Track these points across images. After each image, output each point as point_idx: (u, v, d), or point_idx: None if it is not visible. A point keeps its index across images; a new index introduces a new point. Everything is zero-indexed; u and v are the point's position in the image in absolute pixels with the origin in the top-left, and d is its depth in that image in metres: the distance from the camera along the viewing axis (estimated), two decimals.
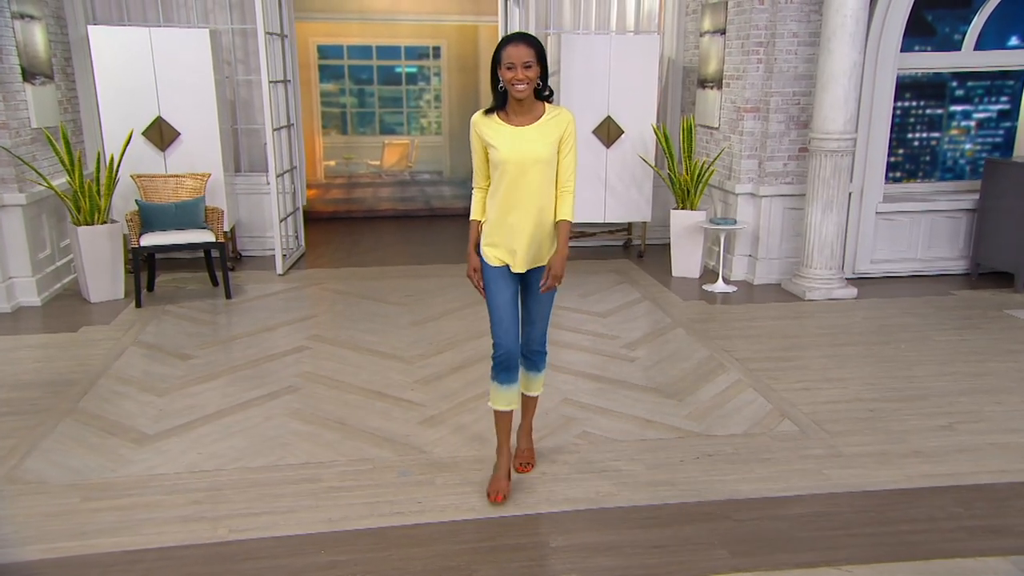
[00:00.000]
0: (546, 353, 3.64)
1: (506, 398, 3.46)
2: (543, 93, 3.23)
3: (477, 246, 3.39)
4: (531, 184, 3.22)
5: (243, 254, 7.85)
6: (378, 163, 10.67)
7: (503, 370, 3.41)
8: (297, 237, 8.01)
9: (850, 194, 6.74)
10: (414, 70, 10.78)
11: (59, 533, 3.24)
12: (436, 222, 9.75)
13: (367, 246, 8.51)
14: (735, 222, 6.70)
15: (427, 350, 5.33)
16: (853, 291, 6.51)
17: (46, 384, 4.74)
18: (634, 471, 3.76)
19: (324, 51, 10.43)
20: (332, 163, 10.75)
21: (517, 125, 3.22)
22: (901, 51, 6.68)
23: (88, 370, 4.94)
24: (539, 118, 3.24)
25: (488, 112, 3.28)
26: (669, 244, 7.04)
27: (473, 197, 3.43)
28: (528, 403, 3.74)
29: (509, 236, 3.28)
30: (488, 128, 3.25)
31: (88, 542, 3.18)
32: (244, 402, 4.51)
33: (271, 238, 7.67)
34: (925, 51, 7.44)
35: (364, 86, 10.64)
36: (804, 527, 3.31)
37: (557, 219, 3.31)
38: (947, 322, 5.93)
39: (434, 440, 4.05)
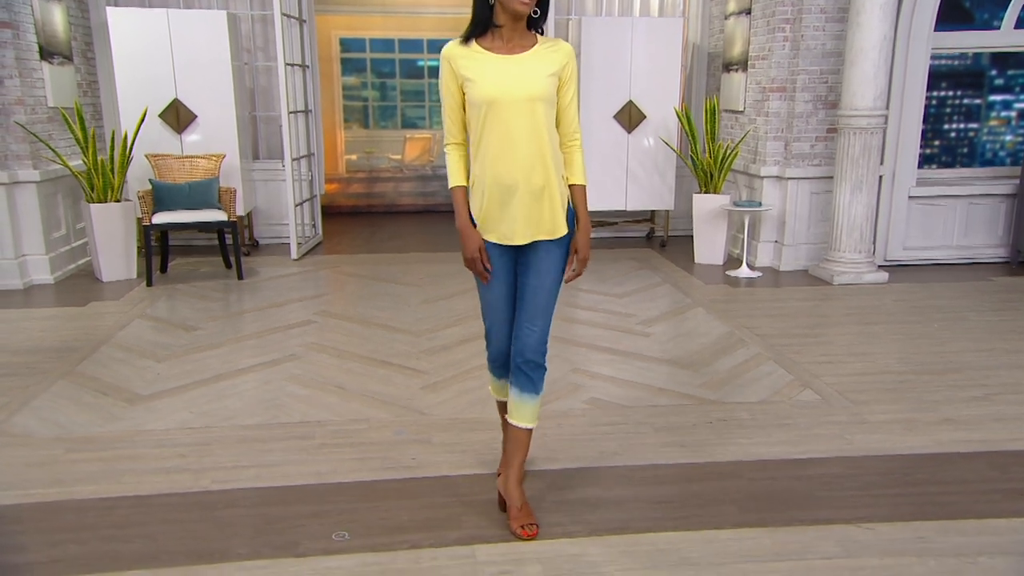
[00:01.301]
0: (545, 368, 2.74)
1: (505, 389, 2.87)
2: (536, 18, 2.53)
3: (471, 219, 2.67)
4: (528, 129, 2.51)
5: (259, 241, 7.77)
6: (399, 157, 10.59)
7: (499, 367, 2.88)
8: (314, 225, 7.92)
9: (881, 177, 6.49)
10: (436, 63, 10.68)
11: (37, 480, 3.11)
12: None
13: (385, 235, 8.40)
14: (760, 204, 6.47)
15: (436, 324, 5.17)
16: (884, 276, 6.23)
17: (47, 350, 4.65)
18: (641, 433, 3.55)
19: (346, 44, 10.40)
20: (354, 157, 10.69)
21: (505, 53, 2.52)
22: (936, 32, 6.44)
23: (91, 339, 4.85)
24: (531, 48, 2.56)
25: (465, 40, 2.55)
26: (692, 235, 6.83)
27: (448, 158, 2.68)
28: (517, 438, 2.77)
29: (503, 203, 2.57)
30: (467, 60, 2.52)
31: (66, 489, 3.05)
32: (243, 368, 4.38)
33: (287, 226, 7.59)
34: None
35: (386, 79, 10.59)
36: (822, 487, 3.07)
37: (570, 183, 2.66)
38: (984, 304, 5.64)
39: (435, 403, 3.88)
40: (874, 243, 6.55)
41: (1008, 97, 8.75)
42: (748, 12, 6.85)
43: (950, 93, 8.65)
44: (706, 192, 6.81)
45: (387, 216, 9.54)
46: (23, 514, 2.88)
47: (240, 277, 6.37)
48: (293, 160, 7.04)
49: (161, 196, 6.25)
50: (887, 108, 6.05)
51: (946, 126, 8.75)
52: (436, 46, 10.68)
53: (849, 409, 3.79)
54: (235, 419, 3.69)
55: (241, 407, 3.83)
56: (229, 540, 2.71)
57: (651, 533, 2.73)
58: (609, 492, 3.03)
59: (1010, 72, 8.71)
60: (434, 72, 10.77)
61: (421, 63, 10.74)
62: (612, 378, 4.20)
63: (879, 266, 6.44)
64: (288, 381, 4.16)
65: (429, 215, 9.67)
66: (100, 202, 6.13)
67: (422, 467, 3.22)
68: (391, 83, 10.75)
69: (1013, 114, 8.79)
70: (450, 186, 2.68)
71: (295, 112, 7.11)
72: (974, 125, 8.74)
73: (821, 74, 6.38)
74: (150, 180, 6.37)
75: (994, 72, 8.70)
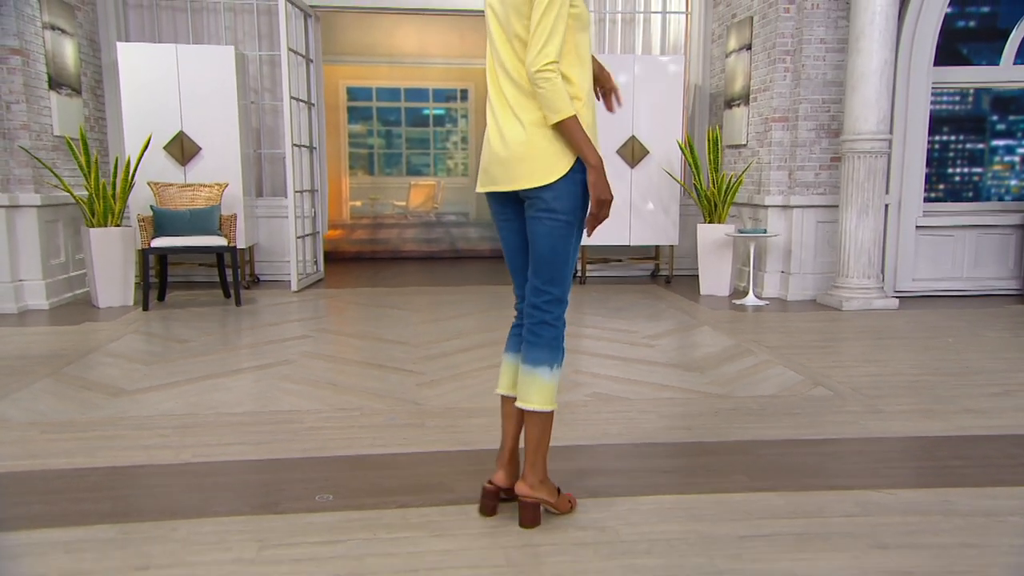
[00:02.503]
0: (552, 326, 2.31)
1: (502, 374, 2.50)
2: None
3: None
4: None
5: (260, 278, 7.71)
6: (404, 204, 10.62)
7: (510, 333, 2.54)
8: (316, 262, 7.86)
9: (887, 206, 6.43)
10: (441, 112, 10.86)
11: (8, 455, 2.96)
12: (461, 263, 9.56)
13: (388, 275, 8.33)
14: (765, 231, 6.39)
15: (436, 338, 5.04)
16: (894, 302, 6.10)
17: (34, 357, 4.53)
18: (646, 418, 3.38)
19: (353, 93, 10.59)
20: (358, 203, 10.73)
21: None
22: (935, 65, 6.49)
23: (80, 348, 4.73)
24: None
25: None
26: (698, 274, 6.72)
27: (556, 83, 2.13)
28: (522, 419, 2.37)
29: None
30: None
31: (38, 461, 2.89)
32: (234, 370, 4.24)
33: (289, 263, 7.54)
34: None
35: (392, 127, 10.73)
36: (837, 461, 2.90)
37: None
38: (999, 325, 5.49)
39: (430, 396, 3.73)
40: (882, 273, 6.44)
41: (1011, 142, 8.77)
42: (748, 47, 6.93)
43: (952, 137, 8.69)
44: (710, 222, 6.74)
45: (391, 262, 9.49)
46: None
47: (238, 304, 6.28)
48: (296, 193, 7.03)
49: (162, 222, 6.21)
50: (891, 132, 6.03)
51: (949, 170, 8.76)
52: (441, 95, 10.89)
53: (863, 402, 3.62)
54: (222, 408, 3.54)
55: (229, 399, 3.69)
56: (206, 501, 2.54)
57: (657, 495, 2.56)
58: (611, 464, 2.86)
59: (1011, 117, 8.75)
60: (439, 120, 10.95)
61: (426, 111, 10.90)
62: (615, 377, 4.05)
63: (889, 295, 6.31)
64: (280, 380, 4.02)
65: (433, 261, 9.62)
66: (100, 227, 6.09)
67: (414, 444, 3.06)
68: (396, 131, 10.89)
69: (1017, 159, 8.80)
70: (567, 116, 2.14)
71: (299, 146, 7.14)
72: (978, 169, 8.75)
73: (823, 103, 6.39)
74: (151, 206, 6.35)
75: (995, 117, 8.75)
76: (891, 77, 5.98)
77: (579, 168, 2.21)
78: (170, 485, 2.68)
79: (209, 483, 2.70)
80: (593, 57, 2.34)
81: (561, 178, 2.20)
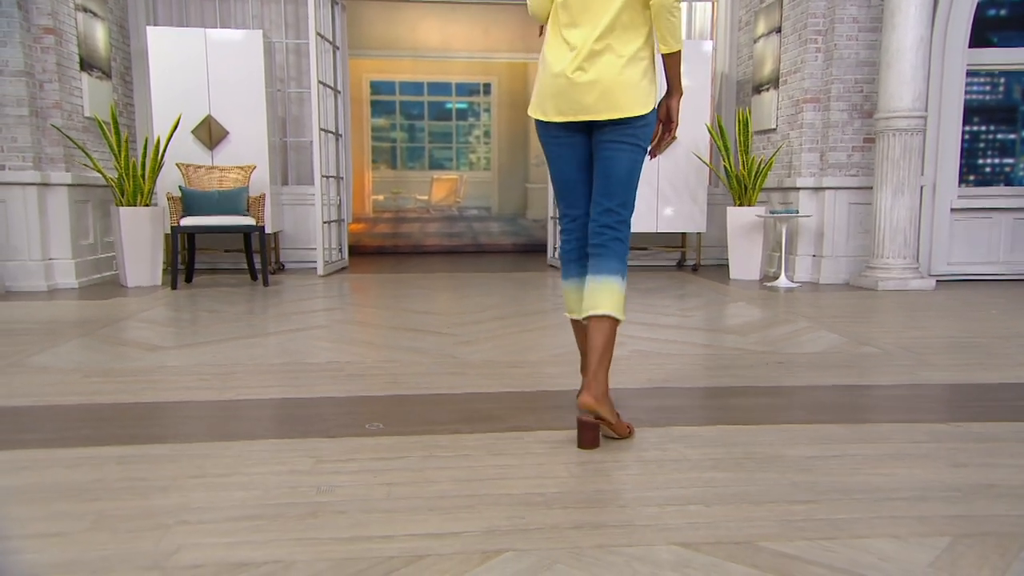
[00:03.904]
0: (623, 242, 2.38)
1: (568, 300, 2.57)
2: None
3: None
4: None
5: (285, 265, 7.69)
6: (426, 198, 10.59)
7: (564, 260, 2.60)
8: (341, 250, 7.84)
9: (922, 187, 6.35)
10: (464, 106, 10.83)
11: (53, 392, 2.91)
12: (483, 257, 9.51)
13: (411, 265, 8.29)
14: (797, 212, 6.32)
15: (467, 309, 4.98)
16: (931, 282, 6.01)
17: (66, 322, 4.51)
18: (695, 369, 3.31)
19: (376, 87, 10.59)
20: (380, 197, 10.71)
21: None
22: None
23: (113, 316, 4.70)
24: None
25: None
26: (725, 264, 6.64)
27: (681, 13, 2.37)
28: (590, 336, 2.32)
29: None
30: None
31: (81, 398, 2.84)
32: (269, 332, 4.20)
33: (314, 251, 7.53)
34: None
35: (415, 121, 10.72)
36: (898, 400, 2.82)
37: None
38: None
39: (468, 352, 3.66)
40: (917, 257, 6.35)
41: None
42: (778, 31, 6.89)
43: (982, 128, 8.58)
44: (740, 206, 6.68)
45: (413, 256, 9.45)
46: (36, 413, 2.67)
47: (266, 284, 6.25)
48: (323, 178, 7.01)
49: (190, 203, 6.20)
50: (926, 110, 5.96)
51: (980, 161, 8.65)
52: (465, 89, 10.87)
53: (914, 357, 3.54)
54: (260, 360, 3.49)
55: (267, 352, 3.64)
56: (255, 427, 2.49)
57: (716, 425, 2.48)
58: (664, 402, 2.79)
59: None
60: (462, 114, 10.93)
61: (449, 105, 10.89)
62: (654, 339, 3.98)
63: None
64: (315, 340, 3.97)
65: (455, 255, 9.58)
66: (130, 206, 6.09)
67: (459, 388, 3.00)
68: (419, 124, 10.87)
69: None
70: (682, 46, 2.34)
71: (325, 131, 7.13)
72: (1009, 160, 8.63)
73: (856, 83, 6.34)
74: (179, 187, 6.34)
75: None
76: (926, 54, 5.91)
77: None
78: (217, 416, 2.63)
79: (255, 415, 2.65)
80: None
81: (652, 110, 2.36)
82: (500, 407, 2.71)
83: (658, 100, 2.41)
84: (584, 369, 2.57)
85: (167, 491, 1.93)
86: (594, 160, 2.42)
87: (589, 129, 2.40)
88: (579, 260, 2.50)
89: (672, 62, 2.35)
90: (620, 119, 2.31)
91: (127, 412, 2.65)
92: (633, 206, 2.42)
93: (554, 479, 2.03)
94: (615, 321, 2.29)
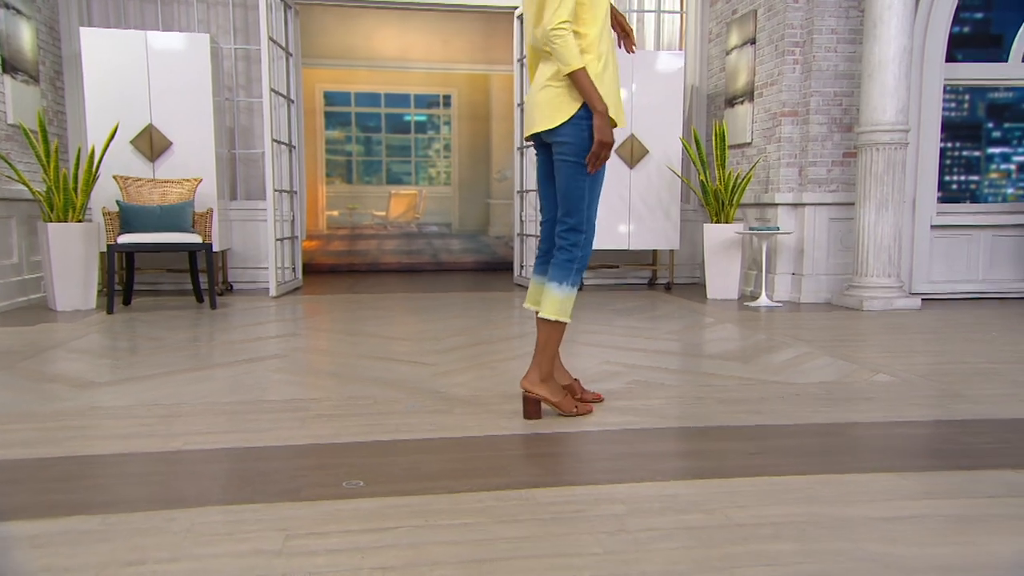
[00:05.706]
0: (566, 250, 2.64)
1: (529, 293, 2.95)
2: None
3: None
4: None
5: (233, 285, 7.16)
6: (384, 214, 10.12)
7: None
8: (294, 269, 7.35)
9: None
10: (423, 119, 10.39)
11: None
12: (445, 276, 9.09)
13: (369, 285, 7.83)
14: (778, 228, 6.06)
15: (440, 333, 4.57)
16: (916, 301, 5.79)
17: None
18: (705, 403, 2.96)
19: (331, 97, 10.10)
20: (335, 213, 10.20)
21: None
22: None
23: (37, 346, 4.18)
24: None
25: None
26: (698, 283, 6.35)
27: (568, 40, 2.50)
28: (538, 332, 2.71)
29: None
30: None
31: None
32: (219, 364, 3.73)
33: (265, 270, 7.05)
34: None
35: (371, 134, 10.24)
36: (949, 442, 2.50)
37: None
38: None
39: (452, 384, 3.26)
40: (899, 275, 6.13)
41: (1006, 150, 8.62)
42: (752, 42, 6.66)
43: (949, 144, 8.52)
44: (717, 222, 6.40)
45: (370, 274, 8.98)
46: None
47: (213, 307, 5.74)
48: (276, 192, 6.54)
49: (129, 218, 5.68)
50: (908, 123, 5.76)
51: (947, 178, 8.58)
52: (424, 101, 10.45)
53: (937, 387, 3.25)
54: (211, 397, 3.03)
55: (218, 388, 3.18)
56: (204, 489, 2.05)
57: (754, 477, 2.12)
58: (682, 447, 2.43)
59: (1006, 125, 8.62)
60: (421, 127, 10.51)
61: (408, 117, 10.44)
62: (652, 367, 3.62)
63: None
64: (273, 372, 3.53)
65: (415, 274, 9.13)
66: (60, 221, 5.53)
67: (445, 431, 2.59)
68: (376, 137, 10.40)
69: (1012, 167, 8.66)
70: (577, 67, 2.51)
71: (278, 142, 6.67)
72: (975, 177, 8.59)
73: (835, 96, 6.12)
74: (117, 201, 5.81)
75: (991, 124, 8.60)
76: (909, 65, 5.72)
77: (585, 115, 2.55)
78: (161, 473, 2.18)
79: (206, 470, 2.21)
80: (612, 7, 2.71)
81: (566, 122, 2.56)
82: (499, 455, 2.31)
83: (574, 117, 2.55)
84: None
85: None
86: None
87: (548, 146, 2.74)
88: (543, 257, 2.86)
89: (575, 82, 2.52)
90: (546, 133, 2.63)
91: (47, 471, 2.18)
92: (584, 219, 2.64)
93: (589, 557, 1.64)
94: (552, 322, 2.63)
